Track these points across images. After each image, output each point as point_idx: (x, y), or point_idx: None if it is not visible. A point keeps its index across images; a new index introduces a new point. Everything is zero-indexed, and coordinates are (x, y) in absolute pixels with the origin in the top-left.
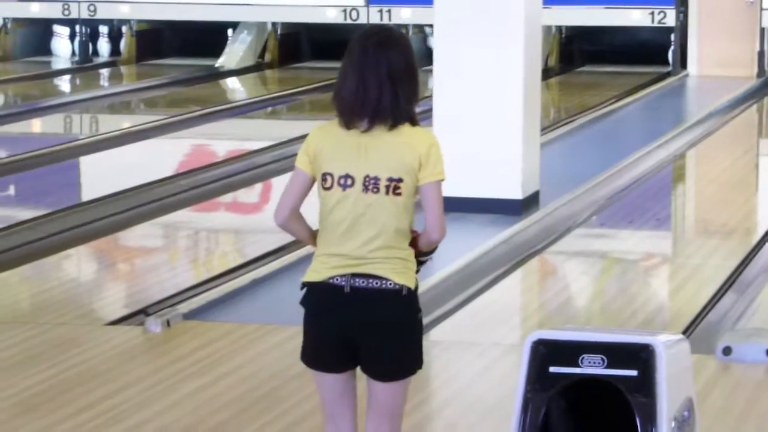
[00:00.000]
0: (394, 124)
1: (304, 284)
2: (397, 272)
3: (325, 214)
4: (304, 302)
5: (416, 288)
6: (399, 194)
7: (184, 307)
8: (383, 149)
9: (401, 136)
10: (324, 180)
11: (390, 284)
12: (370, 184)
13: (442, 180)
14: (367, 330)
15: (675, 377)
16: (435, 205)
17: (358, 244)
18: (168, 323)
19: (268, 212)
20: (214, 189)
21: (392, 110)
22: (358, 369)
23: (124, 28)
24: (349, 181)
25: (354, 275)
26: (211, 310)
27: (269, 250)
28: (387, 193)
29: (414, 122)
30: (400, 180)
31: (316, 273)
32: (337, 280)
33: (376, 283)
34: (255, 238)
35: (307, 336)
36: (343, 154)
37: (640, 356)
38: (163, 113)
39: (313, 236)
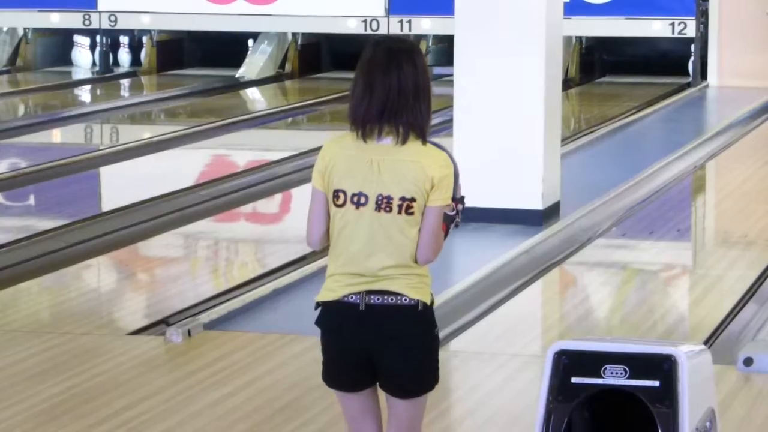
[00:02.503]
0: (404, 137)
1: (318, 304)
2: (413, 287)
3: (337, 232)
4: (319, 322)
5: (432, 303)
6: (412, 213)
7: (205, 317)
8: (396, 168)
9: (413, 154)
10: (336, 197)
11: (405, 299)
12: (383, 203)
13: (447, 205)
14: (383, 347)
15: (697, 388)
16: (431, 230)
17: (373, 264)
18: (189, 333)
19: (288, 222)
20: (234, 199)
21: (397, 120)
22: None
23: (144, 39)
24: (362, 200)
25: (368, 292)
26: (232, 320)
27: (290, 260)
28: (400, 212)
29: (425, 139)
30: (412, 200)
31: (330, 292)
32: (351, 297)
33: (392, 299)
34: (275, 248)
35: (325, 356)
36: (356, 171)
37: (663, 367)
38: (183, 123)
39: None
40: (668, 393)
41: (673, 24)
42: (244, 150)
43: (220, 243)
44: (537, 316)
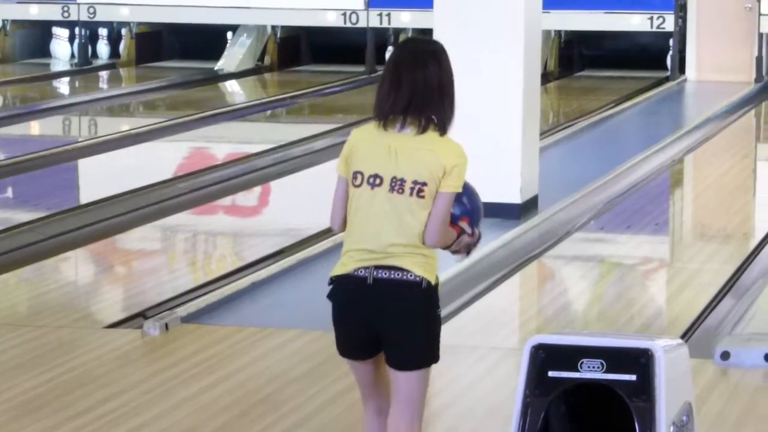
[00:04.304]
0: (424, 128)
1: (332, 279)
2: (418, 265)
3: (353, 211)
4: (331, 295)
5: (437, 285)
6: (422, 197)
7: (183, 311)
8: (412, 154)
9: (430, 143)
10: (354, 178)
11: (411, 276)
12: (396, 185)
13: (456, 192)
14: (387, 320)
15: (674, 382)
16: (440, 213)
17: (383, 240)
18: (166, 327)
19: (266, 215)
20: (213, 192)
21: (421, 113)
22: None
23: (123, 31)
24: (377, 181)
25: (377, 267)
26: (210, 313)
27: (268, 254)
28: (411, 194)
29: (444, 131)
30: (424, 184)
31: (343, 266)
32: (361, 272)
33: (398, 275)
34: (254, 241)
35: (336, 327)
36: (375, 155)
37: (640, 361)
38: (162, 116)
39: None
40: (645, 387)
41: (651, 18)
42: (223, 143)
43: (198, 236)
44: (515, 309)
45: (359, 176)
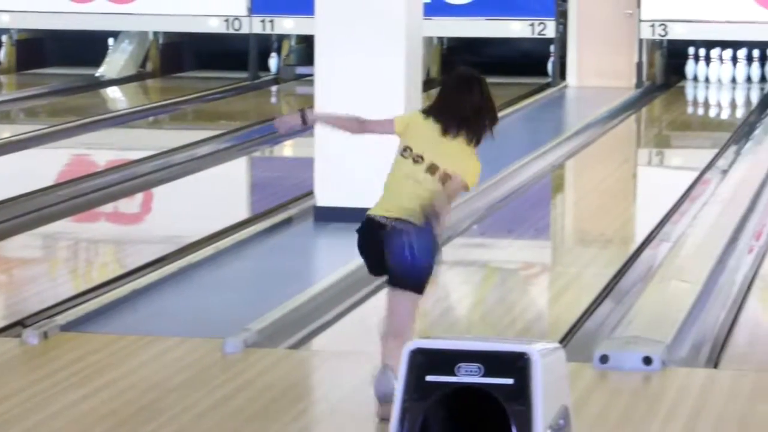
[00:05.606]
0: (456, 135)
1: (365, 218)
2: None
3: (395, 171)
4: (359, 228)
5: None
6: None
7: (62, 319)
8: (448, 152)
9: (462, 150)
10: (404, 150)
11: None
12: (432, 168)
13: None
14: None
15: (550, 385)
16: (452, 189)
17: (402, 202)
18: (45, 335)
19: (149, 222)
20: (94, 199)
21: (468, 127)
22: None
23: (3, 37)
24: (420, 159)
25: (395, 219)
26: (90, 321)
27: (149, 261)
28: (438, 179)
29: (479, 143)
30: (448, 176)
31: (373, 211)
32: (383, 219)
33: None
34: (135, 248)
35: (360, 253)
36: (425, 140)
37: (516, 365)
38: (43, 123)
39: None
40: (522, 391)
41: (533, 24)
42: (105, 149)
43: (79, 243)
44: None
45: (408, 150)
